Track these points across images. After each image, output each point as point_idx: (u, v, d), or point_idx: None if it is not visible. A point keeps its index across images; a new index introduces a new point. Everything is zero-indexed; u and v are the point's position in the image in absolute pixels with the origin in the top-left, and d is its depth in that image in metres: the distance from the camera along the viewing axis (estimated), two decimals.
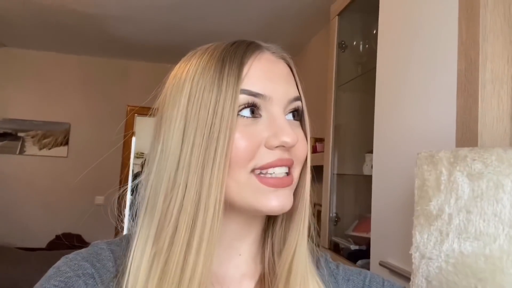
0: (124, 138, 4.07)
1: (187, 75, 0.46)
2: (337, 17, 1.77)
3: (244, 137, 0.44)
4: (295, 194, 0.49)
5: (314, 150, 2.35)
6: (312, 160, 0.51)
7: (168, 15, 2.88)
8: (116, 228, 3.89)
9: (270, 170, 0.44)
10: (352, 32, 1.77)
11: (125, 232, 0.52)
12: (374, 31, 1.44)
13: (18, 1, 2.77)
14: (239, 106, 0.44)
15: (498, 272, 0.58)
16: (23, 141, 3.88)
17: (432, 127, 0.96)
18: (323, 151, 1.86)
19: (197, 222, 0.42)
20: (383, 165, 1.20)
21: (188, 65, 0.47)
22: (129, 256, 0.44)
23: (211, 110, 0.43)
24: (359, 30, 1.76)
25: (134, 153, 4.76)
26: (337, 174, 1.75)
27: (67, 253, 0.47)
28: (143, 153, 5.95)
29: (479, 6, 0.81)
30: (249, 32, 2.97)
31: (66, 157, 3.97)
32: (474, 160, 0.63)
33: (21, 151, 3.88)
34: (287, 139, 0.43)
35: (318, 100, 2.02)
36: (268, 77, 0.46)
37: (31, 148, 3.90)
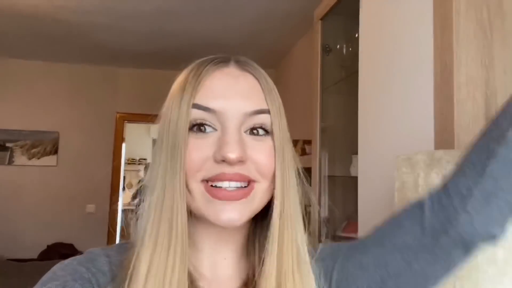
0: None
1: (170, 91, 0.51)
2: (320, 21, 1.79)
3: (193, 150, 0.46)
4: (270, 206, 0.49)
5: (303, 152, 2.38)
6: (301, 163, 0.52)
7: (154, 22, 2.89)
8: (108, 236, 3.89)
9: (219, 184, 0.46)
10: (335, 36, 1.80)
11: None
12: (356, 35, 1.47)
13: (3, 10, 2.76)
14: (191, 121, 0.47)
15: (474, 270, 0.61)
16: (12, 152, 3.85)
17: (412, 129, 0.99)
18: (311, 153, 1.88)
19: (164, 228, 0.45)
20: (367, 167, 1.23)
21: (176, 81, 0.51)
22: (132, 260, 0.45)
23: (173, 125, 0.47)
24: (342, 33, 1.79)
25: (125, 160, 4.73)
26: (328, 176, 1.77)
27: None
28: (134, 159, 5.93)
29: (452, 12, 0.84)
30: (235, 37, 2.98)
31: (56, 166, 3.94)
32: (449, 162, 0.66)
33: (10, 162, 3.84)
34: (228, 154, 0.44)
35: (304, 102, 2.04)
36: (222, 92, 0.48)
37: (20, 158, 3.87)
